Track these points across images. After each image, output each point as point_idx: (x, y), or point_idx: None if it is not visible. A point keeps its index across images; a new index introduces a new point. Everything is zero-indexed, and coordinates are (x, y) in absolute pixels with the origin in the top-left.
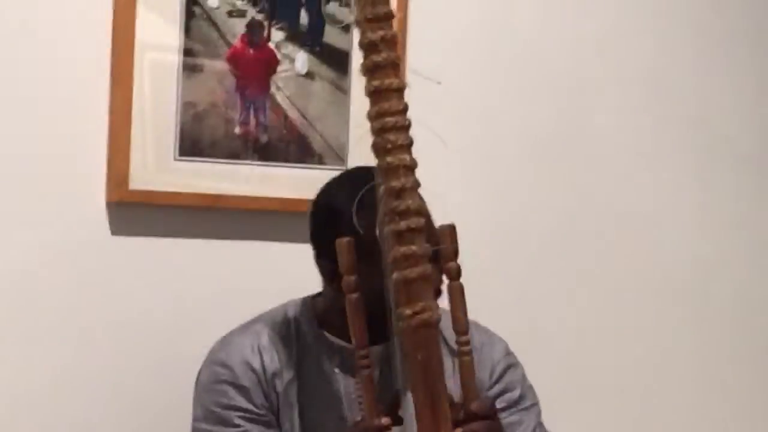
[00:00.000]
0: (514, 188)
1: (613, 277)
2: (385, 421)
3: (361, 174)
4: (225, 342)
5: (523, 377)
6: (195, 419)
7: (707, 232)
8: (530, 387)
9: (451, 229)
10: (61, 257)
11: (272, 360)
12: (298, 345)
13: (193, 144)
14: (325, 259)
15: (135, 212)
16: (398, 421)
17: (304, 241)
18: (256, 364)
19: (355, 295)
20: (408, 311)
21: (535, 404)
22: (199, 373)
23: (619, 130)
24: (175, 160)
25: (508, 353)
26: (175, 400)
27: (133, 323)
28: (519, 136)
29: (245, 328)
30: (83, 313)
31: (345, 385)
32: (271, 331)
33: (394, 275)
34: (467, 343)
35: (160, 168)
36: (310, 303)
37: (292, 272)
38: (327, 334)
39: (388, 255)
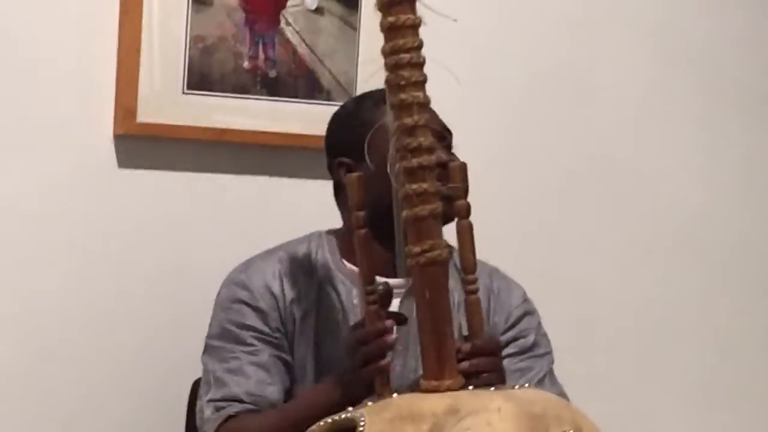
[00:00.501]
0: (525, 127)
1: (618, 221)
2: (389, 323)
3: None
4: (247, 264)
5: (539, 325)
6: (209, 336)
7: (713, 179)
8: (545, 335)
9: (462, 168)
10: (69, 189)
11: (292, 287)
12: (319, 274)
13: (201, 78)
14: (343, 165)
15: (142, 145)
16: (401, 320)
17: (311, 177)
18: (276, 289)
19: (363, 231)
20: (417, 249)
21: (549, 353)
22: (219, 292)
23: (626, 75)
24: (183, 93)
25: (526, 300)
26: (180, 333)
27: (139, 256)
28: (531, 74)
29: (268, 253)
30: (89, 244)
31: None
32: (293, 259)
33: (404, 212)
34: (474, 281)
35: (168, 101)
36: (333, 234)
37: (299, 207)
38: (348, 264)
39: (399, 192)
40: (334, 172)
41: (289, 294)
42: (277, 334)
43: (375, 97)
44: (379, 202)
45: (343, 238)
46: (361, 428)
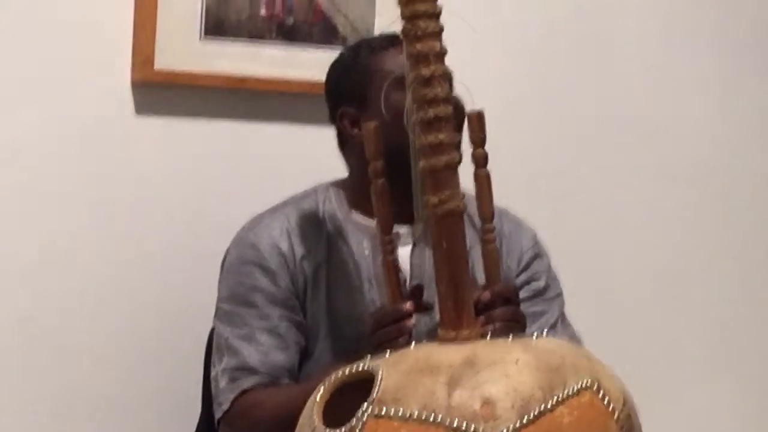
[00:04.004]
0: (541, 75)
1: (634, 167)
2: (408, 306)
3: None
4: (254, 223)
5: (549, 267)
6: (219, 299)
7: (729, 130)
8: (555, 278)
9: (479, 116)
10: (87, 136)
11: (301, 243)
12: (328, 227)
13: (217, 24)
14: (346, 114)
15: (159, 92)
16: (421, 308)
17: (328, 123)
18: (284, 247)
19: (380, 181)
20: (434, 200)
21: (559, 295)
22: (227, 253)
23: (644, 23)
24: (200, 40)
25: (536, 242)
26: (198, 281)
27: (156, 203)
28: (547, 22)
29: (275, 210)
30: (106, 190)
31: (375, 267)
32: (301, 214)
33: (421, 163)
34: (492, 230)
35: (185, 48)
36: (339, 185)
37: (316, 155)
38: (358, 215)
39: (415, 142)
40: (336, 121)
41: (299, 250)
42: (287, 295)
43: (372, 44)
44: (387, 150)
45: (349, 189)
46: (378, 379)
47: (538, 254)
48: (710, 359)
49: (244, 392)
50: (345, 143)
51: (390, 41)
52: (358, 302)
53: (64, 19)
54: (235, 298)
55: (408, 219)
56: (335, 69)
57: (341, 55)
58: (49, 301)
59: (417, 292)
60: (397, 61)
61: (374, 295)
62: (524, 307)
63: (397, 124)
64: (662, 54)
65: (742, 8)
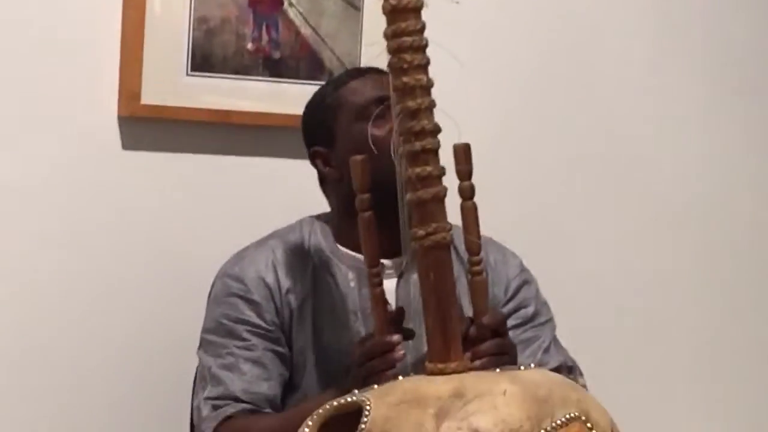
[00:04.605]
0: (527, 109)
1: (620, 205)
2: (396, 338)
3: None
4: (239, 256)
5: (537, 293)
6: (204, 330)
7: (715, 162)
8: (545, 303)
9: (466, 149)
10: (73, 171)
11: (287, 275)
12: (314, 260)
13: (204, 59)
14: (318, 154)
15: (146, 127)
16: (409, 335)
17: None
18: (270, 280)
19: (367, 214)
20: (421, 232)
21: (550, 320)
22: (212, 285)
23: (629, 60)
24: (187, 75)
25: (523, 269)
26: (183, 316)
27: (142, 238)
28: (533, 56)
29: (260, 243)
30: (93, 225)
31: (360, 299)
32: (286, 247)
33: (408, 196)
34: (479, 263)
35: (172, 83)
36: (324, 219)
37: (302, 189)
38: (343, 248)
39: (402, 174)
40: (311, 161)
41: (285, 283)
42: (272, 327)
43: (338, 80)
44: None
45: (333, 223)
46: (366, 411)
47: (526, 281)
48: (693, 391)
49: (226, 419)
50: (323, 181)
51: (353, 74)
52: (344, 335)
53: (50, 55)
54: (220, 329)
55: (392, 253)
56: (306, 109)
57: (313, 95)
58: (32, 336)
59: (398, 317)
60: (359, 92)
61: (360, 327)
62: (515, 335)
63: (366, 151)
64: (649, 90)
65: (727, 50)
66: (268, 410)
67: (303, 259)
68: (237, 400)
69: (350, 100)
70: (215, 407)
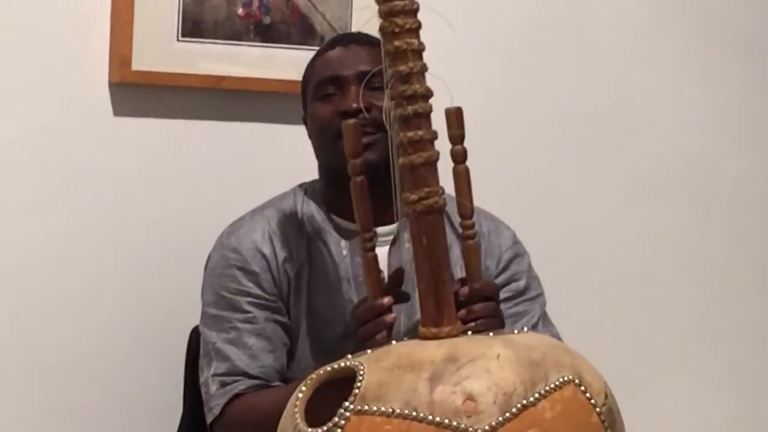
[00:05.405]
0: (519, 72)
1: (613, 166)
2: (387, 301)
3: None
4: (235, 227)
5: (529, 267)
6: (204, 304)
7: (709, 122)
8: (535, 277)
9: (458, 112)
10: (64, 137)
11: (283, 245)
12: (307, 229)
13: (195, 25)
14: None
15: (137, 93)
16: (401, 297)
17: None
18: (267, 250)
19: (360, 178)
20: (413, 196)
21: (540, 294)
22: (209, 258)
23: (623, 20)
24: (178, 41)
25: (516, 242)
26: (175, 281)
27: (134, 204)
28: (525, 19)
29: (255, 213)
30: (84, 192)
31: (353, 267)
32: (281, 216)
33: (401, 160)
34: (472, 227)
35: (163, 49)
36: (315, 186)
37: (295, 155)
38: (334, 217)
39: (395, 139)
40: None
41: (281, 253)
42: (272, 296)
43: (321, 49)
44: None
45: (324, 191)
46: (360, 376)
47: (518, 254)
48: (685, 355)
49: (235, 397)
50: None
51: (333, 43)
52: (337, 303)
53: (40, 21)
54: (221, 302)
55: (381, 222)
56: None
57: None
58: (27, 300)
59: (397, 279)
60: (323, 68)
61: (353, 295)
62: (505, 308)
63: (316, 132)
64: (642, 51)
65: (720, 10)
66: (276, 382)
67: (297, 229)
68: (245, 375)
69: (314, 76)
70: (223, 384)
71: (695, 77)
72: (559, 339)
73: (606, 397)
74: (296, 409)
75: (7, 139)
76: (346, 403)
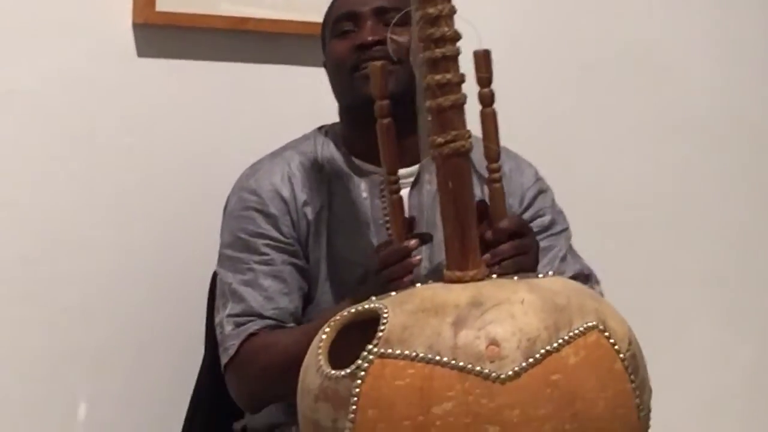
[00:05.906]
0: (544, 14)
1: (635, 107)
2: (413, 243)
3: None
4: (254, 169)
5: (553, 202)
6: (222, 245)
7: (731, 65)
8: (560, 212)
9: (486, 55)
10: (88, 78)
11: (303, 188)
12: (327, 172)
13: None
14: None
15: (161, 34)
16: (424, 239)
17: None
18: (286, 193)
19: (386, 120)
20: (440, 139)
21: (566, 229)
22: (228, 199)
23: None
24: None
25: (538, 179)
26: (199, 222)
27: (157, 145)
28: None
29: (275, 155)
30: (108, 133)
31: (373, 210)
32: (301, 159)
33: (428, 103)
34: (498, 170)
35: None
36: (336, 128)
37: (318, 97)
38: (355, 159)
39: (422, 81)
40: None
41: (300, 196)
42: (289, 239)
43: None
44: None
45: (344, 133)
46: (384, 319)
47: (541, 190)
48: (710, 297)
49: (250, 336)
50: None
51: None
52: (358, 246)
53: None
54: (238, 244)
55: (402, 163)
56: None
57: None
58: (46, 240)
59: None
60: (341, 5)
61: (373, 238)
62: None
63: (333, 70)
64: None
65: None
66: (291, 324)
67: (318, 171)
68: (260, 316)
69: (332, 15)
70: (238, 324)
71: (717, 19)
72: (590, 271)
73: (630, 343)
74: (320, 351)
75: (31, 81)
76: (370, 346)
